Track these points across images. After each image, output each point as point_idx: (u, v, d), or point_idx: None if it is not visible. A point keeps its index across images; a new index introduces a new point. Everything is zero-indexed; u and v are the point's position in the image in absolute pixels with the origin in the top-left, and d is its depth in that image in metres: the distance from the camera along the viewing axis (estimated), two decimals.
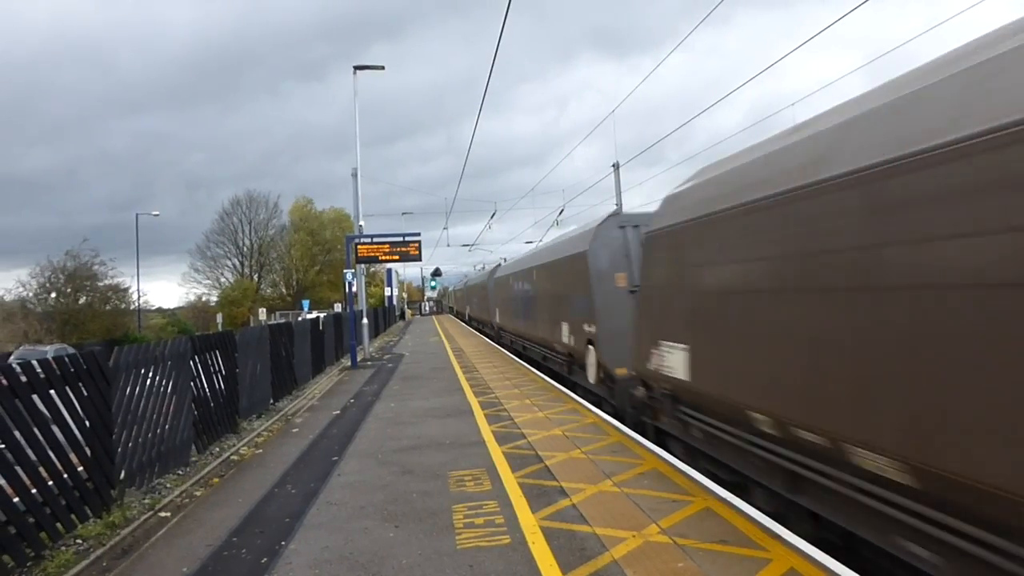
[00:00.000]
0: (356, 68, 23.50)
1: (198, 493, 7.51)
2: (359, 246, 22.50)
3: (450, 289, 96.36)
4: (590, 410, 11.16)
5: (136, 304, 48.98)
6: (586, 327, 12.71)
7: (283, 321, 28.32)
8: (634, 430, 9.31)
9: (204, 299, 66.68)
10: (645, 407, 9.46)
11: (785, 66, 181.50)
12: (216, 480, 8.03)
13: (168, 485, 7.80)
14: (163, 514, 6.75)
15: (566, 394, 13.10)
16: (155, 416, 7.83)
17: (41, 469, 5.70)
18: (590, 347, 12.60)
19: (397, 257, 23.05)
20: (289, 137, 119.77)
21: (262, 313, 53.72)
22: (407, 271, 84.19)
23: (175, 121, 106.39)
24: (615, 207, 24.16)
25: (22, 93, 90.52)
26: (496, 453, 8.39)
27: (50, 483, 5.80)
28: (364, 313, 26.09)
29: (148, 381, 7.72)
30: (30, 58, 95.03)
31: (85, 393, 6.41)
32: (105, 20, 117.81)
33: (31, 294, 42.41)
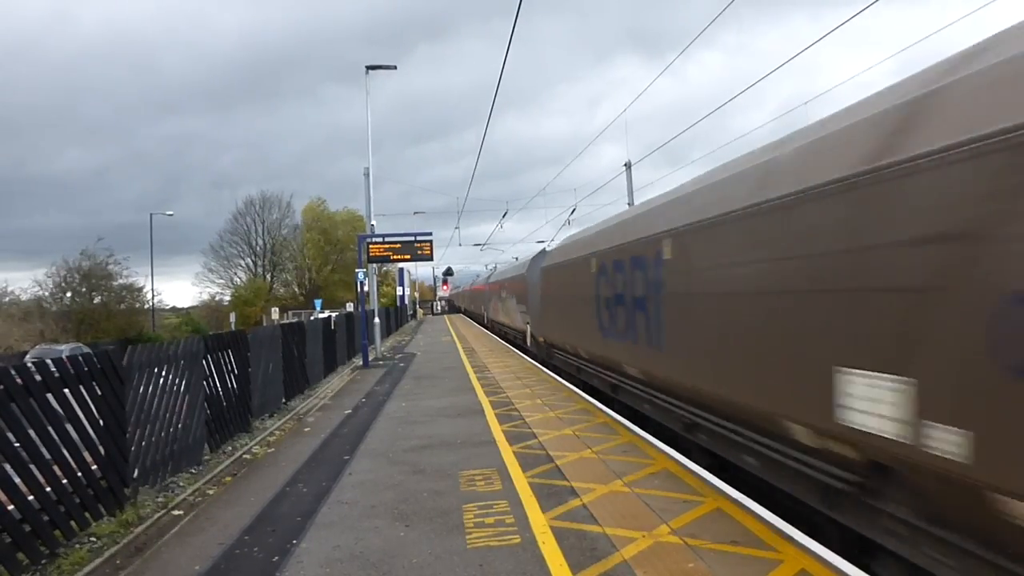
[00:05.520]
0: (368, 68, 23.67)
1: (211, 492, 7.56)
2: (371, 245, 22.55)
3: (461, 288, 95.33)
4: (601, 410, 11.13)
5: (150, 303, 49.47)
6: None
7: (295, 320, 28.48)
8: None
9: (217, 298, 67.23)
10: None
11: (821, 66, 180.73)
12: (228, 479, 8.08)
13: (181, 484, 7.85)
14: (176, 512, 6.80)
15: (577, 394, 13.08)
16: (168, 415, 7.89)
17: (56, 468, 5.76)
18: None
19: (409, 257, 23.08)
20: (323, 139, 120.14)
21: (275, 312, 53.97)
22: (419, 271, 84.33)
23: (211, 123, 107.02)
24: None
25: (61, 95, 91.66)
26: (507, 453, 8.39)
27: (64, 482, 5.85)
28: (376, 312, 26.14)
29: (161, 380, 7.78)
30: (75, 59, 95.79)
31: (99, 392, 6.46)
32: (158, 23, 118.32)
33: (47, 293, 42.97)
